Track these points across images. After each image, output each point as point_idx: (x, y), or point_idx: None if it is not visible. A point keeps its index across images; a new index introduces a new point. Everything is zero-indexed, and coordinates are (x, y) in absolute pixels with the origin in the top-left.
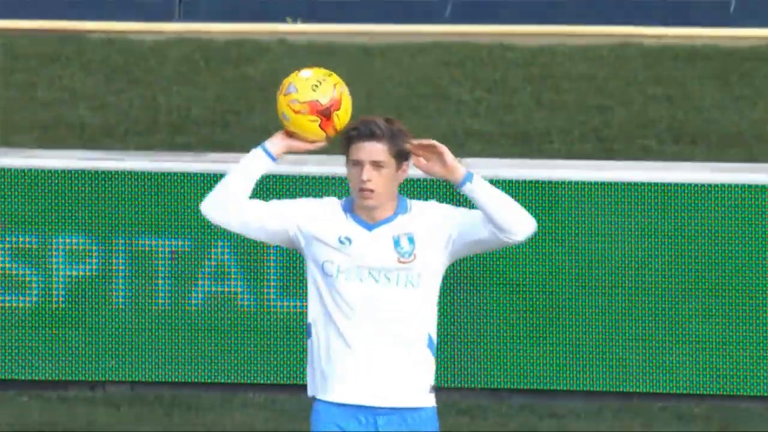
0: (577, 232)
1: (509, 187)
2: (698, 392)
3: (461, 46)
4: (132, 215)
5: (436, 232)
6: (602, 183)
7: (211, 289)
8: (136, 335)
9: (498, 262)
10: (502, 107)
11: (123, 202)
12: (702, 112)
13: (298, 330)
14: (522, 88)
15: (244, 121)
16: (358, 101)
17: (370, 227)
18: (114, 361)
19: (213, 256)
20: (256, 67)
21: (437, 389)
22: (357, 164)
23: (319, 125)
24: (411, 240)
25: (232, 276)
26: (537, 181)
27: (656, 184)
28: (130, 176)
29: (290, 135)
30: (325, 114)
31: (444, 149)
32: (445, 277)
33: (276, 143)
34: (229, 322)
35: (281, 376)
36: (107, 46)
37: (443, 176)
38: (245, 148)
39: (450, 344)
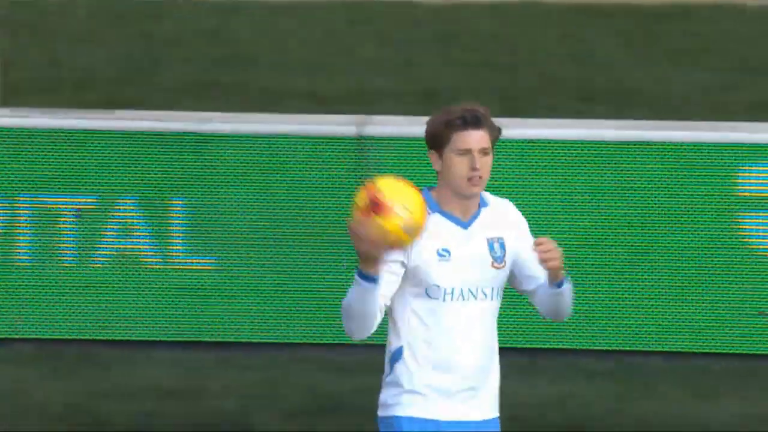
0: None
1: (416, 144)
2: (603, 348)
3: (367, 4)
4: (36, 173)
5: (517, 247)
6: (507, 141)
7: (115, 246)
8: (41, 292)
9: None
10: (409, 65)
11: (27, 159)
12: (608, 70)
13: (203, 287)
14: (428, 46)
15: (150, 78)
16: (264, 58)
17: (465, 225)
18: (19, 319)
19: (118, 214)
20: (161, 25)
21: None
22: (465, 153)
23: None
24: (502, 245)
25: (137, 233)
26: None
27: (558, 141)
28: (34, 134)
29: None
30: (374, 207)
31: (558, 265)
32: None
33: (368, 265)
34: (135, 279)
35: (186, 333)
36: (12, 4)
37: (548, 273)
38: (150, 105)
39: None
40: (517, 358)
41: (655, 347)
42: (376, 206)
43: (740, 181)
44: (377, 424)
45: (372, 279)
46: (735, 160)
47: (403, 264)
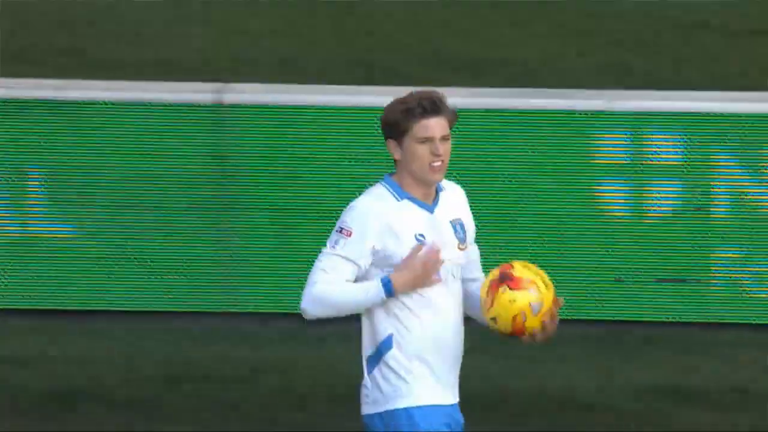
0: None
1: (274, 113)
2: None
3: None
4: None
5: (469, 228)
6: (363, 109)
7: None
8: None
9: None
10: (273, 34)
11: None
12: (463, 38)
13: (62, 255)
14: (292, 14)
15: None
16: (109, 25)
17: (430, 209)
18: None
19: None
20: None
21: None
22: (426, 141)
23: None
24: (462, 227)
25: None
26: (299, 107)
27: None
28: None
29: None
30: (506, 279)
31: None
32: None
33: (403, 285)
34: None
35: (48, 301)
36: None
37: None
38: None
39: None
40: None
41: None
42: (509, 279)
43: (596, 148)
44: (367, 423)
45: (391, 293)
46: (592, 127)
47: (375, 251)
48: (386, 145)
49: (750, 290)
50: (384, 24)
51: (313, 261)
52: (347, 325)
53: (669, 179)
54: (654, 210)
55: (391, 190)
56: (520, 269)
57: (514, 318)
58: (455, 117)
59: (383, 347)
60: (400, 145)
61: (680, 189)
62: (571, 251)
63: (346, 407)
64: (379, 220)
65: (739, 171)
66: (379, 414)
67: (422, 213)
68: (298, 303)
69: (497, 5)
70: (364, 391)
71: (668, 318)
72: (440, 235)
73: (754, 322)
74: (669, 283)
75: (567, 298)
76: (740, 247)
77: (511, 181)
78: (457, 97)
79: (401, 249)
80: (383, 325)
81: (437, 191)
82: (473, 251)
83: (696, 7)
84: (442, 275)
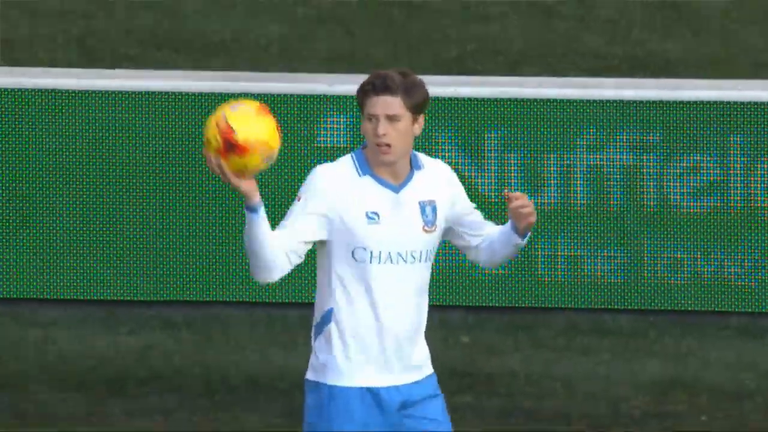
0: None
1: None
2: (185, 299)
3: None
4: None
5: (449, 208)
6: (89, 92)
7: None
8: None
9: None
10: None
11: None
12: (185, 19)
13: None
14: None
15: None
16: None
17: (396, 189)
18: None
19: None
20: None
21: None
22: (372, 118)
23: (242, 158)
24: (434, 209)
25: None
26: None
27: (133, 92)
28: None
29: (244, 176)
30: (231, 148)
31: (532, 220)
32: None
33: (250, 195)
34: None
35: None
36: None
37: (517, 224)
38: None
39: None
40: (94, 310)
41: (233, 297)
42: (233, 147)
43: (319, 132)
44: (305, 386)
45: (252, 209)
46: (314, 111)
47: (325, 217)
48: None
49: (469, 273)
50: (105, 3)
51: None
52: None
53: None
54: None
55: (356, 164)
56: (240, 129)
57: (217, 124)
58: (420, 99)
59: (324, 320)
60: (362, 120)
61: None
62: None
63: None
64: (330, 186)
65: (459, 154)
66: (311, 381)
67: (383, 191)
68: None
69: None
70: (310, 356)
71: None
72: (400, 215)
73: (472, 304)
74: None
75: (295, 283)
76: None
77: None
78: (182, 80)
79: (349, 225)
80: (326, 299)
81: (412, 169)
82: (476, 216)
83: None
84: (387, 255)
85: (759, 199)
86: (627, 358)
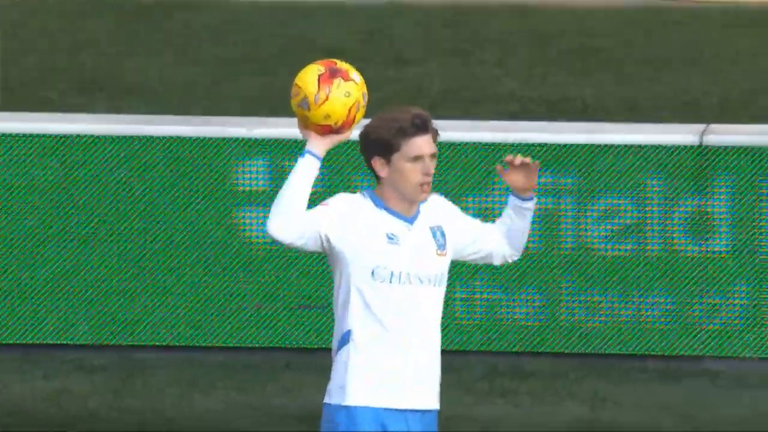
0: None
1: None
2: (100, 343)
3: None
4: None
5: (456, 231)
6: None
7: None
8: None
9: None
10: None
11: None
12: (107, 59)
13: None
14: None
15: None
16: None
17: (410, 221)
18: None
19: None
20: None
21: None
22: (418, 159)
23: (329, 132)
24: (443, 234)
25: None
26: None
27: (53, 135)
28: None
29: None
30: (337, 132)
31: (537, 165)
32: None
33: (317, 144)
34: None
35: None
36: None
37: (518, 187)
38: None
39: None
40: (8, 353)
41: (150, 341)
42: (339, 72)
43: (236, 175)
44: (323, 414)
45: (316, 156)
46: (231, 154)
47: (343, 221)
48: (370, 162)
49: None
50: (26, 44)
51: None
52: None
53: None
54: None
55: (371, 200)
56: (339, 62)
57: (349, 110)
58: (437, 134)
59: (342, 342)
60: (388, 163)
61: None
62: (212, 278)
63: None
64: (353, 205)
65: None
66: (330, 405)
67: (399, 221)
68: None
69: (152, 32)
70: (330, 381)
71: (311, 345)
72: (415, 239)
73: None
74: (309, 309)
75: (202, 324)
76: None
77: (153, 206)
78: (102, 124)
79: (370, 243)
80: (344, 321)
81: (419, 203)
82: (479, 225)
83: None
84: (407, 276)
85: (677, 242)
86: (546, 401)
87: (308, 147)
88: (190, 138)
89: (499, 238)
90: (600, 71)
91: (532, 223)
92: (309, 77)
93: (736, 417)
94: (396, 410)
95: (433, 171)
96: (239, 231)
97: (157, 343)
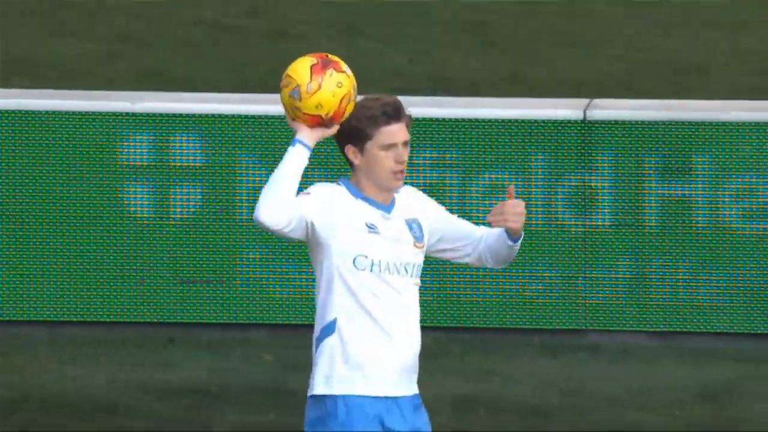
0: None
1: None
2: None
3: None
4: None
5: (431, 225)
6: None
7: None
8: None
9: None
10: None
11: None
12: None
13: None
14: None
15: None
16: None
17: (387, 210)
18: None
19: None
20: None
21: None
22: (391, 147)
23: (319, 124)
24: (419, 226)
25: None
26: None
27: None
28: None
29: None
30: (326, 125)
31: (521, 221)
32: None
33: (307, 134)
34: None
35: None
36: None
37: (508, 227)
38: None
39: None
40: None
41: (32, 316)
42: (332, 63)
43: (121, 150)
44: (308, 405)
45: (306, 146)
46: (116, 129)
47: (325, 207)
48: (344, 150)
49: (273, 290)
50: None
51: None
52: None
53: (192, 180)
54: (178, 211)
55: (348, 190)
56: (331, 55)
57: (341, 101)
58: (411, 121)
59: (326, 332)
60: (361, 151)
61: (203, 190)
62: (96, 254)
63: None
64: (332, 195)
65: (261, 171)
66: (313, 396)
67: (377, 211)
68: None
69: (46, 12)
70: (313, 372)
71: (194, 320)
72: (393, 230)
73: (275, 322)
74: (194, 284)
75: (84, 300)
76: (263, 248)
77: (40, 182)
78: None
79: (351, 233)
80: (327, 311)
81: (394, 193)
82: (460, 224)
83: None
84: (386, 265)
85: (560, 216)
86: (431, 376)
87: (298, 136)
88: (75, 112)
89: (480, 245)
90: (485, 47)
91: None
92: (301, 67)
93: (618, 390)
94: (387, 398)
95: (406, 158)
96: (124, 205)
97: (40, 318)
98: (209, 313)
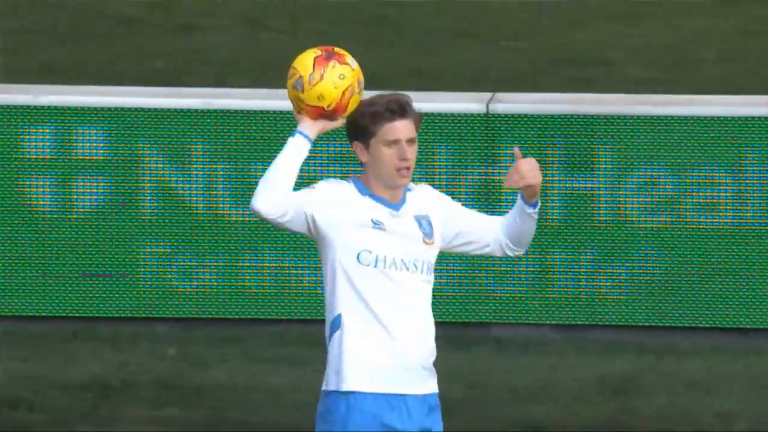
0: None
1: None
2: None
3: None
4: None
5: (443, 221)
6: None
7: None
8: None
9: None
10: None
11: None
12: None
13: None
14: None
15: None
16: None
17: (396, 207)
18: None
19: None
20: None
21: None
22: (394, 143)
23: (322, 116)
24: (429, 223)
25: None
26: None
27: None
28: None
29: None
30: (329, 117)
31: (539, 182)
32: None
33: (309, 126)
34: None
35: None
36: None
37: (523, 188)
38: None
39: None
40: None
41: None
42: (336, 55)
43: (23, 143)
44: (320, 399)
45: (308, 138)
46: (18, 122)
47: (324, 214)
48: (353, 147)
49: (177, 284)
50: None
51: None
52: None
53: (95, 173)
54: (81, 205)
55: (355, 186)
56: (337, 48)
57: (343, 93)
58: (420, 119)
59: (334, 326)
60: (366, 148)
61: (106, 183)
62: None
63: None
64: (340, 191)
65: (165, 165)
66: (325, 391)
67: (384, 209)
68: None
69: None
70: (327, 368)
71: (98, 314)
72: (401, 227)
73: (179, 316)
74: (97, 278)
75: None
76: (167, 242)
77: None
78: None
79: (356, 228)
80: (334, 306)
81: (405, 191)
82: (478, 217)
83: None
84: (392, 261)
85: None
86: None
87: (299, 127)
88: None
89: (499, 233)
90: (388, 41)
91: None
92: (306, 59)
93: (523, 383)
94: (395, 395)
95: (411, 156)
96: (26, 199)
97: None
98: (113, 308)
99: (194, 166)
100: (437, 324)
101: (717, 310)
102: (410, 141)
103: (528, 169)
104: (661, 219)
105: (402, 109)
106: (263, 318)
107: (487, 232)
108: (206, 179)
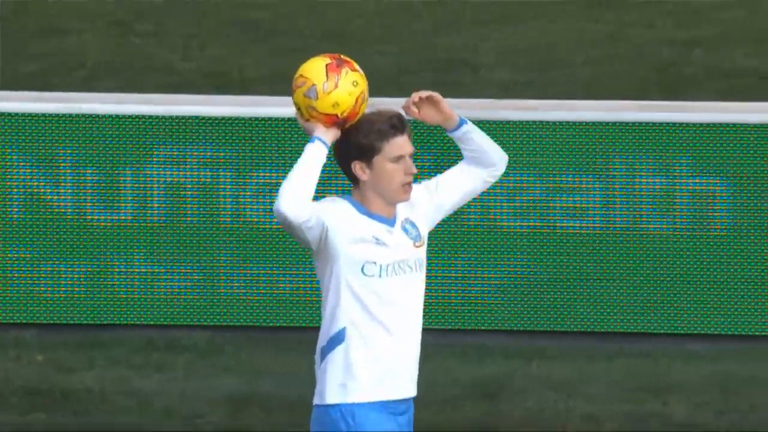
0: None
1: None
2: None
3: None
4: None
5: (424, 209)
6: None
7: None
8: None
9: None
10: None
11: None
12: None
13: None
14: None
15: None
16: None
17: (391, 223)
18: None
19: None
20: None
21: None
22: (400, 159)
23: (335, 124)
24: (413, 225)
25: None
26: None
27: None
28: None
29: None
30: (339, 125)
31: (440, 97)
32: None
33: (324, 132)
34: None
35: None
36: None
37: (439, 122)
38: None
39: None
40: None
41: None
42: (346, 62)
43: None
44: (314, 413)
45: (325, 143)
46: None
47: (332, 228)
48: (350, 167)
49: (44, 290)
50: None
51: None
52: None
53: None
54: None
55: (351, 205)
56: (343, 55)
57: (356, 100)
58: (411, 133)
59: (335, 341)
60: (368, 166)
61: None
62: None
63: None
64: (341, 208)
65: (32, 170)
66: (324, 406)
67: (382, 227)
68: None
69: None
70: (320, 381)
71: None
72: (396, 239)
73: (47, 321)
74: None
75: None
76: (34, 247)
77: None
78: None
79: (357, 240)
80: (337, 320)
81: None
82: (443, 183)
83: None
84: (393, 268)
85: None
86: (202, 375)
87: (316, 134)
88: None
89: (470, 170)
90: (257, 44)
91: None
92: (316, 67)
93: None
94: (395, 401)
95: (415, 170)
96: None
97: None
98: (7, 313)
99: (62, 171)
100: (308, 329)
101: (585, 315)
102: (411, 155)
103: (415, 95)
104: (529, 224)
105: (403, 125)
106: (131, 323)
107: (462, 181)
108: (74, 184)
